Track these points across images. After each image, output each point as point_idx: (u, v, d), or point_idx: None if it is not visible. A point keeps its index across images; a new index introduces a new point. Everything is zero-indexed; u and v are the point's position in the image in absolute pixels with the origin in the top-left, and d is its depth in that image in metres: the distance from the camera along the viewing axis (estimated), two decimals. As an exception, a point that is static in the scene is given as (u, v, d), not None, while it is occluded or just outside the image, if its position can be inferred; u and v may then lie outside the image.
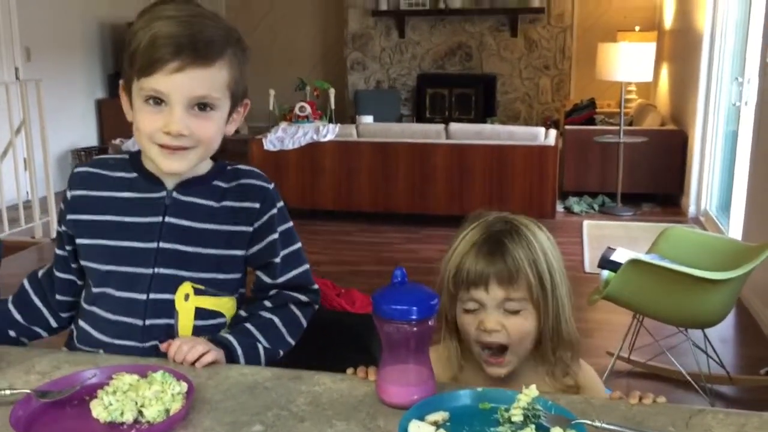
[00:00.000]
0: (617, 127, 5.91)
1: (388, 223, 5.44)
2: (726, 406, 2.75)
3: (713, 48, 5.33)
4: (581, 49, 8.05)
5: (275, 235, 1.32)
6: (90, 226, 1.29)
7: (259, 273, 1.36)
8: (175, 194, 1.28)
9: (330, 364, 1.17)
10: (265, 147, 5.45)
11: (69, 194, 1.32)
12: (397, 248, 4.94)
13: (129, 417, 0.98)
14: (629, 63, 5.68)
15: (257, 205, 1.30)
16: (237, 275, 1.32)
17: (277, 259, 1.33)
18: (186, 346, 1.18)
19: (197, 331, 1.27)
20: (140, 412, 0.99)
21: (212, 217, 1.28)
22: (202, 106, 1.20)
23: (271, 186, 1.33)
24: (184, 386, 1.03)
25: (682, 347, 2.91)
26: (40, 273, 1.41)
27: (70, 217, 1.31)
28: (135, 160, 1.31)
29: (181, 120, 1.18)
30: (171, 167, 1.23)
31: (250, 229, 1.30)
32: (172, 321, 1.27)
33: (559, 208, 5.78)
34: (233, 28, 1.26)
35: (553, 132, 5.45)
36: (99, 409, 0.99)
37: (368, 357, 1.20)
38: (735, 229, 4.48)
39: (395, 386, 1.03)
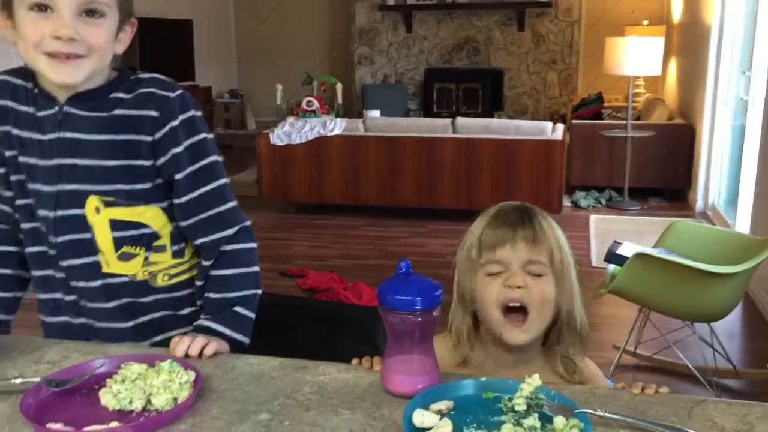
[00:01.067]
0: (625, 122, 5.89)
1: (395, 218, 5.45)
2: (732, 399, 2.75)
3: (721, 41, 5.31)
4: (589, 43, 8.03)
5: (179, 149, 1.25)
6: (8, 137, 1.27)
7: (173, 197, 1.29)
8: (66, 108, 1.24)
9: (336, 355, 1.18)
10: (272, 141, 5.47)
11: None
12: (403, 242, 4.95)
13: (138, 405, 1.00)
14: (637, 57, 5.66)
15: (155, 114, 1.23)
16: (147, 185, 1.26)
17: (180, 176, 1.26)
18: (185, 342, 1.18)
19: (120, 243, 1.26)
20: (148, 401, 1.01)
21: (105, 128, 1.23)
22: (90, 12, 1.17)
23: (174, 94, 1.25)
24: (192, 375, 1.05)
25: (689, 341, 2.91)
26: None
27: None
28: (32, 73, 1.26)
29: (70, 24, 1.15)
30: (63, 78, 1.19)
31: (150, 138, 1.24)
32: (86, 235, 1.25)
33: (566, 202, 5.77)
34: None
35: (560, 126, 5.44)
36: (108, 398, 1.00)
37: (374, 349, 1.21)
38: (742, 224, 4.46)
39: (400, 376, 1.04)
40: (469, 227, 1.23)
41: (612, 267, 2.90)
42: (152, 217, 1.29)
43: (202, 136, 1.28)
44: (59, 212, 1.25)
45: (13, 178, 1.29)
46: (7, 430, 0.96)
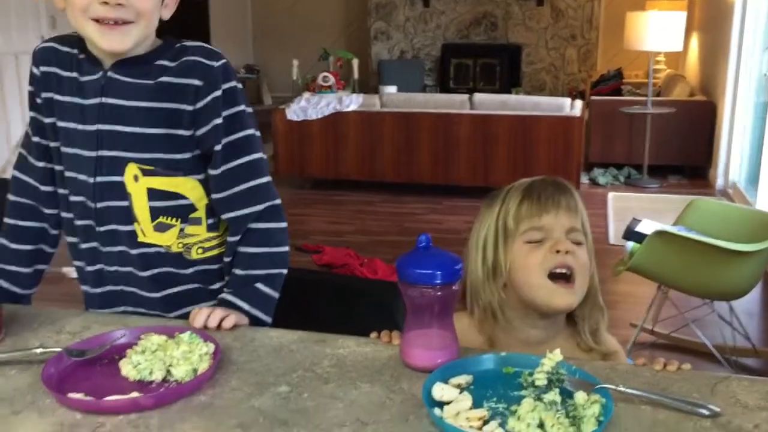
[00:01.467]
0: (645, 98, 5.82)
1: (412, 194, 5.43)
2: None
3: (745, 16, 5.21)
4: (609, 18, 7.91)
5: (219, 119, 1.24)
6: (51, 104, 1.28)
7: (208, 168, 1.28)
8: (110, 74, 1.24)
9: (354, 330, 1.18)
10: (288, 117, 5.45)
11: (35, 71, 1.30)
12: (420, 218, 4.94)
13: (158, 376, 1.00)
14: (658, 32, 5.57)
15: (198, 83, 1.22)
16: (186, 155, 1.26)
17: (218, 146, 1.25)
18: (204, 313, 1.18)
19: (156, 213, 1.27)
20: (168, 372, 1.01)
21: (149, 95, 1.23)
22: None
23: (218, 63, 1.24)
24: (211, 347, 1.05)
25: (707, 319, 2.89)
26: (11, 197, 1.37)
27: (42, 95, 1.29)
28: (81, 39, 1.26)
29: None
30: (111, 45, 1.19)
31: (191, 108, 1.23)
32: (124, 203, 1.26)
33: (584, 179, 5.73)
34: None
35: (578, 103, 5.39)
36: (128, 368, 1.01)
37: (392, 323, 1.20)
38: (764, 202, 4.41)
39: (419, 350, 1.04)
40: (487, 209, 1.21)
41: (630, 244, 2.87)
42: (190, 188, 1.28)
43: (242, 107, 1.27)
44: (99, 178, 1.25)
45: (53, 144, 1.30)
46: (29, 398, 0.96)
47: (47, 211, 1.36)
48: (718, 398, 0.95)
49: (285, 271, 1.31)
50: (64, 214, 1.33)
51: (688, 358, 2.86)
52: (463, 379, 0.98)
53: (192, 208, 1.29)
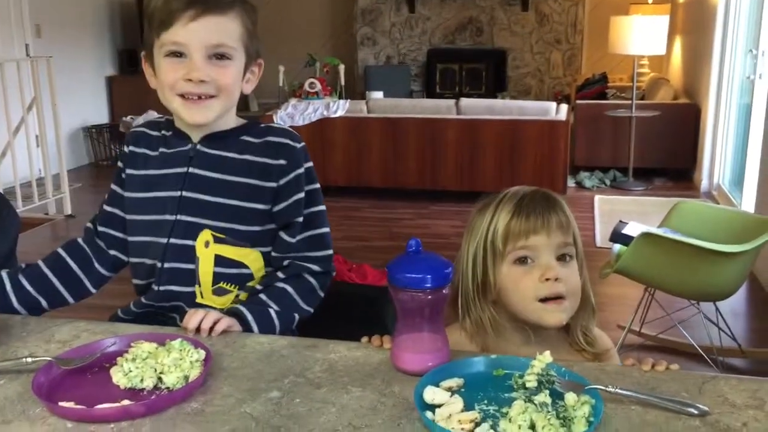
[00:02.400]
0: (629, 102, 5.86)
1: (399, 199, 5.44)
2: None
3: (727, 20, 5.26)
4: (593, 22, 7.97)
5: (301, 194, 1.35)
6: (134, 181, 1.39)
7: (281, 233, 1.37)
8: (199, 146, 1.35)
9: (344, 335, 1.18)
10: (275, 123, 5.44)
11: (125, 149, 1.43)
12: (408, 224, 4.95)
13: (149, 383, 1.00)
14: (642, 36, 5.62)
15: (283, 162, 1.34)
16: (257, 228, 1.34)
17: (300, 218, 1.36)
18: (199, 315, 1.19)
19: (218, 278, 1.34)
20: (159, 379, 1.01)
21: (234, 170, 1.33)
22: (220, 56, 1.28)
23: (299, 145, 1.36)
24: (202, 354, 1.05)
25: (694, 320, 2.91)
26: (78, 239, 1.45)
27: (126, 171, 1.40)
28: (170, 120, 1.40)
29: (201, 67, 1.26)
30: (195, 118, 1.30)
31: (275, 185, 1.34)
32: (191, 266, 1.33)
33: (571, 183, 5.76)
34: None
35: (564, 107, 5.42)
36: (119, 376, 1.01)
37: (382, 328, 1.21)
38: (748, 204, 4.45)
39: (410, 354, 1.04)
40: (478, 218, 1.20)
41: (617, 247, 2.89)
42: (253, 259, 1.36)
43: (318, 186, 1.40)
44: (172, 240, 1.33)
45: (128, 217, 1.40)
46: (19, 408, 0.96)
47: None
48: (706, 397, 0.96)
49: (294, 323, 1.34)
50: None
51: (676, 359, 2.87)
52: (454, 382, 0.99)
53: (251, 277, 1.37)
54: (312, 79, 5.81)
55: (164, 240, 1.33)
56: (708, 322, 2.83)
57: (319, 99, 5.68)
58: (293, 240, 1.36)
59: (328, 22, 8.94)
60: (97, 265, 1.41)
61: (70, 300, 1.39)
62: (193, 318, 1.19)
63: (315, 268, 1.38)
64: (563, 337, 1.22)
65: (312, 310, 1.36)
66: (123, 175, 1.41)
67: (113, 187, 1.43)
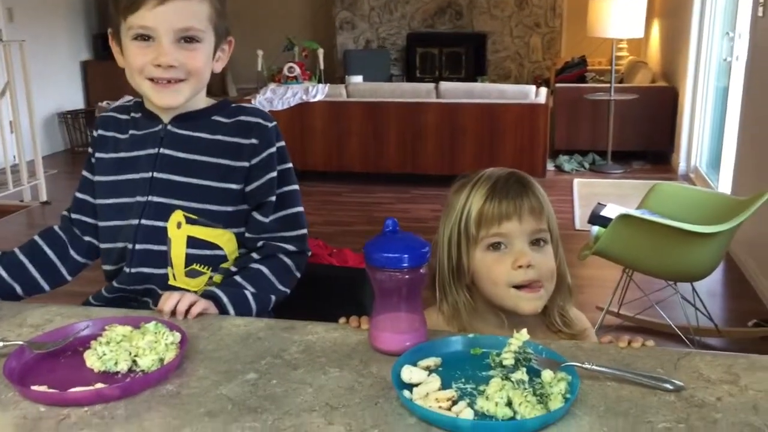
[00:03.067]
0: (608, 85, 5.88)
1: (379, 183, 5.44)
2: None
3: (704, 2, 5.29)
4: (572, 6, 7.98)
5: (273, 173, 1.34)
6: (103, 164, 1.37)
7: (253, 213, 1.36)
8: (169, 127, 1.33)
9: (322, 317, 1.18)
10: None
11: (95, 133, 1.41)
12: (388, 208, 4.94)
13: (123, 366, 0.99)
14: (620, 19, 5.63)
15: (255, 142, 1.32)
16: (230, 208, 1.33)
17: (273, 197, 1.35)
18: (175, 297, 1.18)
19: (191, 260, 1.32)
20: (134, 362, 1.00)
21: (205, 150, 1.32)
22: (188, 39, 1.26)
23: (271, 124, 1.35)
24: (177, 336, 1.04)
25: (671, 301, 2.94)
26: (55, 227, 1.43)
27: (96, 155, 1.38)
28: (139, 102, 1.38)
29: (169, 52, 1.24)
30: (164, 101, 1.28)
31: (247, 164, 1.32)
32: (163, 247, 1.31)
33: (550, 166, 5.78)
34: None
35: (543, 90, 5.43)
36: (93, 359, 0.99)
37: (361, 310, 1.20)
38: (725, 185, 4.50)
39: (388, 333, 1.04)
40: (454, 199, 1.19)
41: (596, 229, 2.91)
42: (226, 240, 1.34)
43: (290, 165, 1.38)
44: (143, 221, 1.31)
45: (97, 201, 1.38)
46: (-10, 393, 0.95)
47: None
48: (681, 373, 0.97)
49: (271, 305, 1.33)
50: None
51: (654, 339, 2.90)
52: (432, 361, 0.99)
53: (224, 258, 1.35)
54: (291, 64, 5.76)
55: (135, 221, 1.31)
56: (685, 303, 2.86)
57: (298, 83, 5.64)
58: (266, 220, 1.34)
59: (307, 5, 8.87)
60: (72, 252, 1.39)
61: (46, 287, 1.38)
62: (168, 301, 1.18)
63: (290, 247, 1.36)
64: (540, 320, 1.22)
65: (288, 291, 1.35)
66: (92, 160, 1.39)
67: (84, 173, 1.41)
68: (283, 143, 1.36)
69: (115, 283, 1.35)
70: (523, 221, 1.14)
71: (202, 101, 1.36)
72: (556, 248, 1.19)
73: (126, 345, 1.01)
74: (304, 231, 1.40)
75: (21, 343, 1.04)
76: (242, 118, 1.34)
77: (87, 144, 6.76)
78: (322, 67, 6.08)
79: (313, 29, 8.72)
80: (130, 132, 1.36)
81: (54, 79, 6.74)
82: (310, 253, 1.42)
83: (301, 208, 1.39)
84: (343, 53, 8.47)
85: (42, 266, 1.36)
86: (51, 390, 0.93)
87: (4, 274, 1.33)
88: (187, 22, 1.24)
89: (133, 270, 1.32)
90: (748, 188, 3.68)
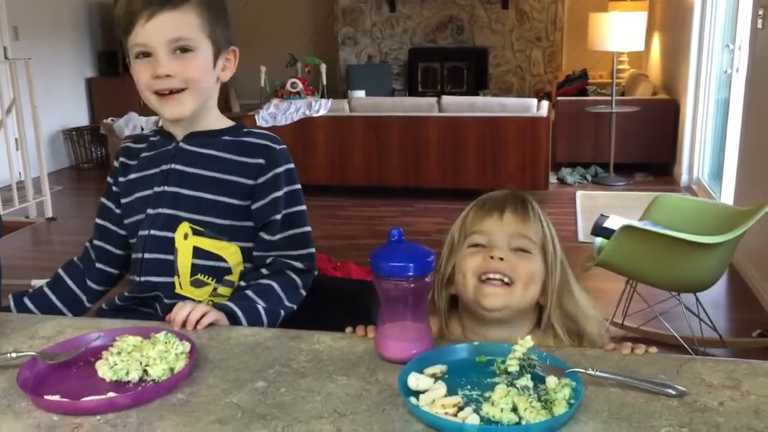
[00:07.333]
0: (609, 98, 5.91)
1: (382, 197, 5.46)
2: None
3: (704, 15, 5.33)
4: (573, 19, 8.03)
5: (279, 193, 1.38)
6: (126, 186, 1.44)
7: (260, 233, 1.39)
8: (181, 144, 1.40)
9: (328, 329, 1.19)
10: (258, 123, 5.43)
11: (115, 164, 1.49)
12: (391, 222, 4.96)
13: (134, 376, 1.00)
14: (621, 32, 5.67)
15: (261, 162, 1.37)
16: (234, 222, 1.37)
17: (278, 216, 1.38)
18: (186, 308, 1.20)
19: (196, 270, 1.36)
20: (145, 371, 1.01)
21: (213, 165, 1.37)
22: (183, 49, 1.31)
23: (279, 147, 1.39)
24: (187, 346, 1.05)
25: (675, 312, 2.95)
26: (75, 258, 1.50)
27: (119, 179, 1.45)
28: (160, 127, 1.46)
29: (165, 63, 1.30)
30: (169, 112, 1.35)
31: (252, 183, 1.37)
32: (170, 257, 1.36)
33: (552, 179, 5.80)
34: None
35: (545, 103, 5.46)
36: (104, 369, 1.01)
37: (367, 321, 1.22)
38: (727, 197, 4.51)
39: (394, 342, 1.06)
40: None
41: (599, 240, 2.93)
42: (231, 253, 1.39)
43: (299, 187, 1.42)
44: (152, 231, 1.37)
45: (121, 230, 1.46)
46: (5, 402, 0.96)
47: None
48: (683, 379, 0.98)
49: (279, 320, 1.35)
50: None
51: (658, 350, 2.91)
52: (438, 368, 1.00)
53: (228, 271, 1.39)
54: (294, 79, 5.80)
55: (146, 232, 1.37)
56: (689, 314, 2.86)
57: (301, 98, 5.67)
58: (274, 238, 1.38)
59: (310, 21, 8.94)
60: (88, 281, 1.46)
61: (68, 315, 1.42)
62: (180, 311, 1.19)
63: (298, 265, 1.39)
64: (544, 335, 1.21)
65: (294, 307, 1.38)
66: (114, 188, 1.46)
67: (102, 200, 1.48)
68: (291, 165, 1.40)
69: (126, 292, 1.39)
70: (505, 221, 1.17)
71: (216, 121, 1.42)
72: (551, 268, 1.18)
73: (137, 355, 1.02)
74: (312, 250, 1.43)
75: (33, 353, 1.05)
76: (251, 139, 1.40)
77: (91, 160, 6.82)
78: (324, 82, 6.12)
79: (316, 45, 8.78)
80: (143, 155, 1.44)
81: (59, 96, 6.80)
82: (316, 273, 1.45)
83: (308, 228, 1.43)
84: (346, 68, 8.53)
85: (63, 296, 1.44)
86: (64, 399, 0.94)
87: (32, 306, 1.41)
88: (177, 33, 1.29)
89: (143, 279, 1.37)
90: (751, 199, 3.70)
